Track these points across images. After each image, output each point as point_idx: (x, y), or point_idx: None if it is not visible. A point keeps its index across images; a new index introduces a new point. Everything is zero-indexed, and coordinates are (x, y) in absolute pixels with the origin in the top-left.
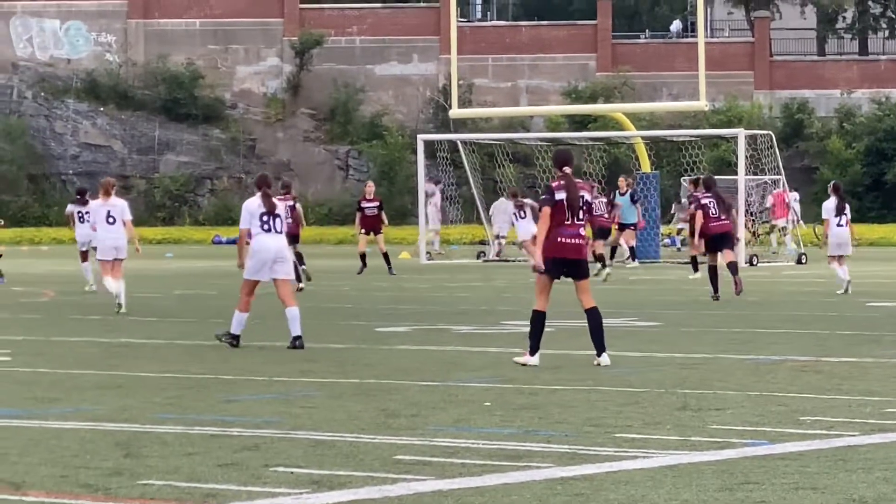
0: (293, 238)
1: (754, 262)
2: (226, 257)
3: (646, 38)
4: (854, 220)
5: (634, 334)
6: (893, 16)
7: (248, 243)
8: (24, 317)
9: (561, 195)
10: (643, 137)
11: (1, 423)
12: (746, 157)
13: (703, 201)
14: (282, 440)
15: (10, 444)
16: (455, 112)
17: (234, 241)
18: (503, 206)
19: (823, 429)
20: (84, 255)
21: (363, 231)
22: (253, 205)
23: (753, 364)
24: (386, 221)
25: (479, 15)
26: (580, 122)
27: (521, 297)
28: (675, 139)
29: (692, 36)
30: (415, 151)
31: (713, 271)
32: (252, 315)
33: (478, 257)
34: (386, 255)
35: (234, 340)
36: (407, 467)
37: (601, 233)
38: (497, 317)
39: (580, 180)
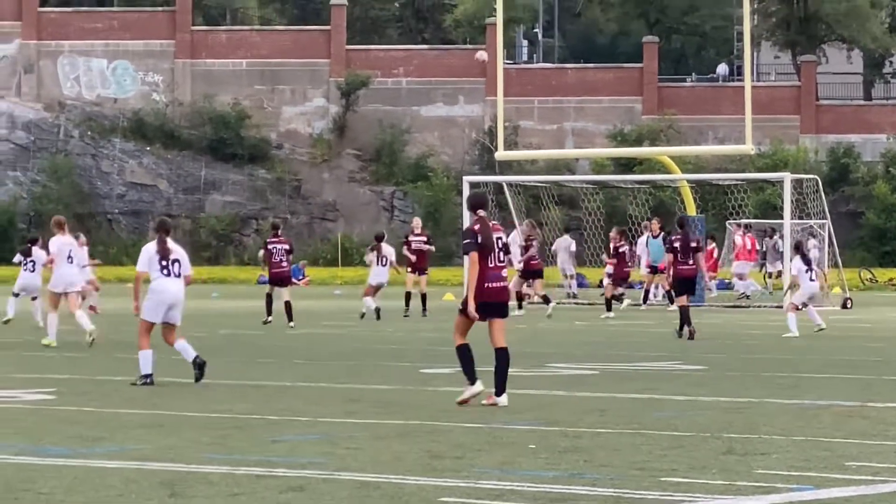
0: (285, 280)
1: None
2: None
3: (692, 81)
4: None
5: (680, 377)
6: None
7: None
8: (68, 355)
9: (479, 238)
10: (689, 181)
11: (46, 462)
12: (792, 201)
13: (675, 244)
14: (327, 481)
15: (55, 484)
16: (500, 154)
17: None
18: (566, 244)
19: (869, 475)
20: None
21: (410, 270)
22: (151, 250)
23: (799, 409)
24: (433, 248)
25: (525, 57)
26: (626, 165)
27: (564, 340)
28: (720, 183)
29: (738, 79)
30: (460, 193)
31: (685, 309)
32: (293, 356)
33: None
34: (424, 297)
35: (148, 379)
36: None
37: (534, 273)
38: (541, 359)
39: (494, 222)
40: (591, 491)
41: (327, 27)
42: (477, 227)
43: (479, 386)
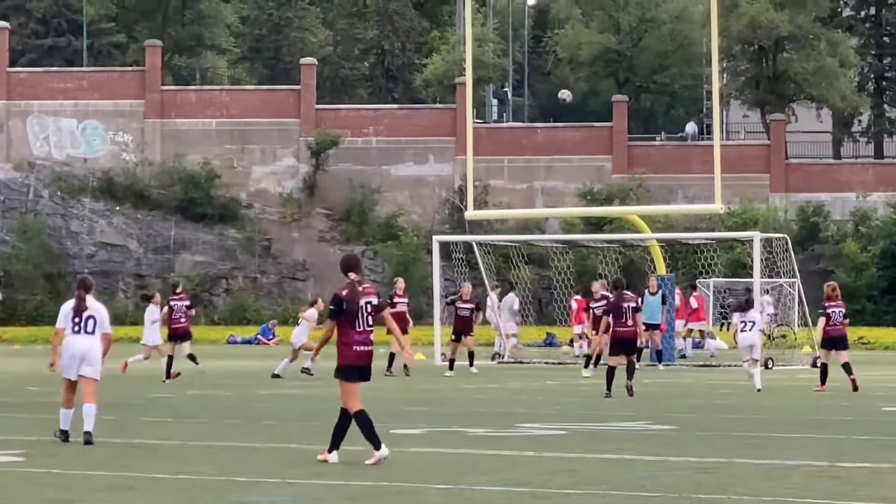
0: (185, 335)
1: (769, 366)
2: (241, 357)
3: (661, 140)
4: (869, 323)
5: (649, 438)
6: None
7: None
8: (38, 416)
9: (346, 304)
10: (658, 240)
11: None
12: (762, 260)
13: (619, 304)
14: None
15: None
16: (470, 213)
17: (248, 342)
18: (510, 303)
19: None
20: None
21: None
22: (67, 307)
23: (768, 468)
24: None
25: (494, 116)
26: (596, 224)
27: (535, 399)
28: (690, 242)
29: (708, 138)
30: (430, 252)
31: (611, 371)
32: (262, 416)
33: (493, 359)
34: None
35: (64, 436)
36: None
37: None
38: (511, 419)
39: (367, 285)
40: None
41: (297, 87)
42: (344, 292)
43: (335, 457)
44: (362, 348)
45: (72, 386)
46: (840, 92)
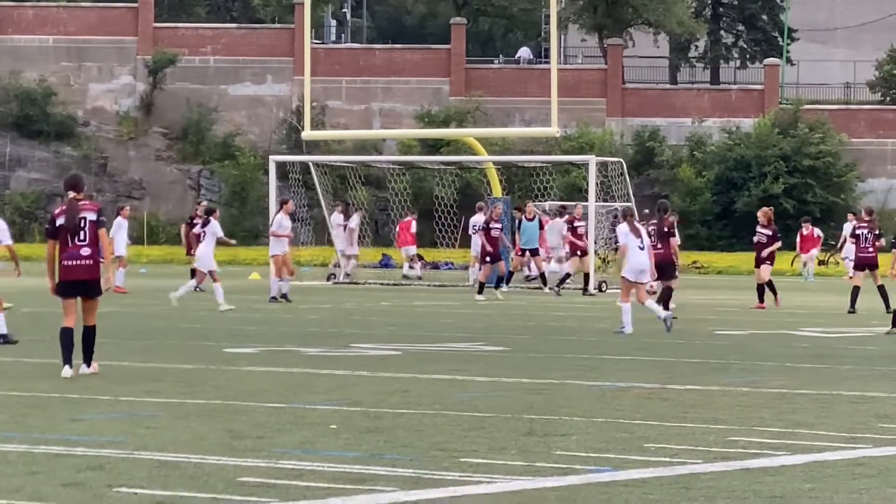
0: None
1: (603, 289)
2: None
3: (499, 63)
4: (703, 248)
5: (483, 359)
6: (745, 46)
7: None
8: None
9: (60, 220)
10: (495, 163)
11: None
12: (597, 183)
13: (662, 228)
14: (126, 460)
15: None
16: (308, 134)
17: None
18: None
19: (667, 456)
20: None
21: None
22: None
23: (599, 391)
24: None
25: (333, 37)
26: (433, 146)
27: (370, 320)
28: (526, 165)
29: (545, 62)
30: (267, 172)
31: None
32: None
33: (328, 279)
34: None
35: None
36: (251, 489)
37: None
38: (346, 339)
39: (85, 202)
40: (391, 472)
41: (135, 4)
42: (58, 210)
43: (68, 371)
44: (73, 262)
45: None
46: (677, 17)
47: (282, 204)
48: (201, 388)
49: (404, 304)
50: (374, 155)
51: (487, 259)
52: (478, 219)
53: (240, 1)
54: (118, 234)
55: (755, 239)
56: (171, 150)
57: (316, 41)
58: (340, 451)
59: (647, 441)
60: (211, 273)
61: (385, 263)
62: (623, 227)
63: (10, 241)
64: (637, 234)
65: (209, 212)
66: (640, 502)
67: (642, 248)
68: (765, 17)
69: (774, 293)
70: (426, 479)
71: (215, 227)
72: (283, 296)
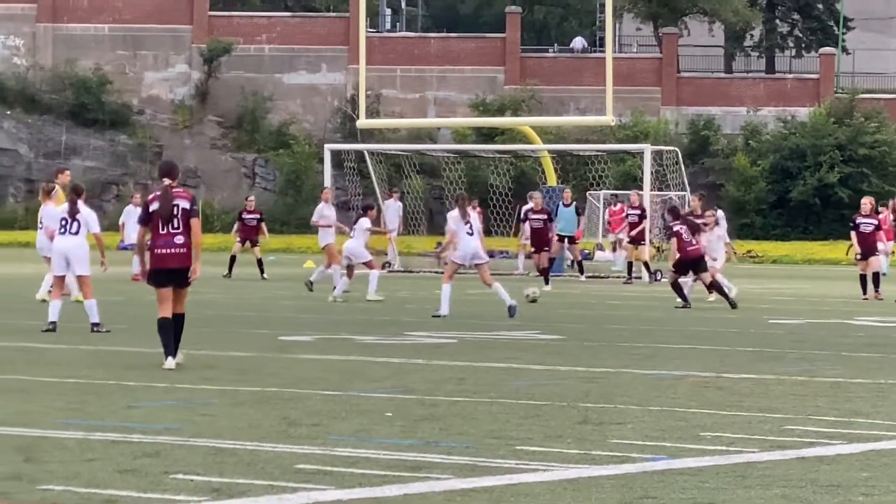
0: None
1: (658, 278)
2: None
3: (554, 52)
4: (758, 237)
5: (538, 347)
6: (800, 35)
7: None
8: None
9: (154, 207)
10: (550, 151)
11: None
12: (652, 172)
13: (676, 228)
14: (182, 447)
15: None
16: (362, 122)
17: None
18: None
19: (723, 445)
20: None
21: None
22: (63, 209)
23: (655, 379)
24: (265, 233)
25: (388, 26)
26: (487, 135)
27: (424, 308)
28: (581, 153)
29: (601, 51)
30: (321, 161)
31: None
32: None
33: (383, 267)
34: (260, 262)
35: (52, 326)
36: (307, 476)
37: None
38: (400, 327)
39: (181, 189)
40: (446, 459)
41: None
42: (152, 196)
43: (171, 363)
44: (165, 250)
45: (58, 281)
46: (732, 6)
47: (365, 210)
48: (257, 375)
49: (458, 293)
50: (429, 143)
51: (544, 248)
52: (529, 207)
53: None
54: (129, 222)
55: (861, 229)
56: (225, 139)
57: (371, 30)
58: (396, 439)
59: (703, 429)
60: (367, 263)
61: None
62: (453, 213)
63: (97, 230)
64: (466, 219)
65: (366, 208)
66: (696, 491)
67: (471, 234)
68: (820, 5)
69: (876, 285)
70: (482, 467)
71: (366, 223)
72: (310, 283)
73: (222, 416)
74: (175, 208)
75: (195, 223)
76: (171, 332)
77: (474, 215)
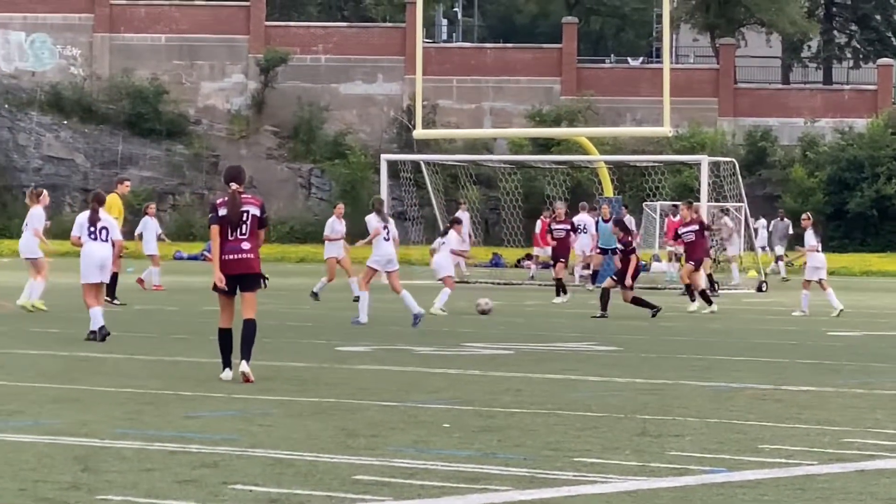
0: None
1: (715, 289)
2: (187, 273)
3: (611, 62)
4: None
5: (594, 358)
6: (858, 46)
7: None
8: None
9: (223, 211)
10: (606, 162)
11: None
12: (709, 183)
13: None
14: (240, 458)
15: None
16: (419, 133)
17: (194, 258)
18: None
19: (782, 457)
20: None
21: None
22: (83, 217)
23: (713, 391)
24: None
25: (444, 36)
26: (544, 146)
27: (480, 319)
28: (638, 164)
29: (657, 62)
30: (378, 171)
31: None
32: (208, 332)
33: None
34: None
35: (93, 335)
36: (365, 487)
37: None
38: (458, 338)
39: (247, 195)
40: (504, 471)
41: (247, 3)
42: (220, 200)
43: (228, 374)
44: (233, 256)
45: (96, 289)
46: (790, 17)
47: (452, 224)
48: (314, 386)
49: (515, 304)
50: (485, 154)
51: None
52: (581, 218)
53: (351, 0)
54: (146, 233)
55: None
56: (282, 149)
57: (427, 40)
58: (453, 450)
59: (762, 442)
60: (445, 279)
61: (495, 262)
62: (371, 217)
63: (119, 237)
64: (384, 223)
65: (454, 222)
66: (756, 503)
67: (388, 239)
68: (878, 16)
69: None
70: (540, 479)
71: (453, 238)
72: (315, 294)
73: (280, 426)
74: (245, 214)
75: (261, 232)
76: (230, 342)
77: (391, 221)
